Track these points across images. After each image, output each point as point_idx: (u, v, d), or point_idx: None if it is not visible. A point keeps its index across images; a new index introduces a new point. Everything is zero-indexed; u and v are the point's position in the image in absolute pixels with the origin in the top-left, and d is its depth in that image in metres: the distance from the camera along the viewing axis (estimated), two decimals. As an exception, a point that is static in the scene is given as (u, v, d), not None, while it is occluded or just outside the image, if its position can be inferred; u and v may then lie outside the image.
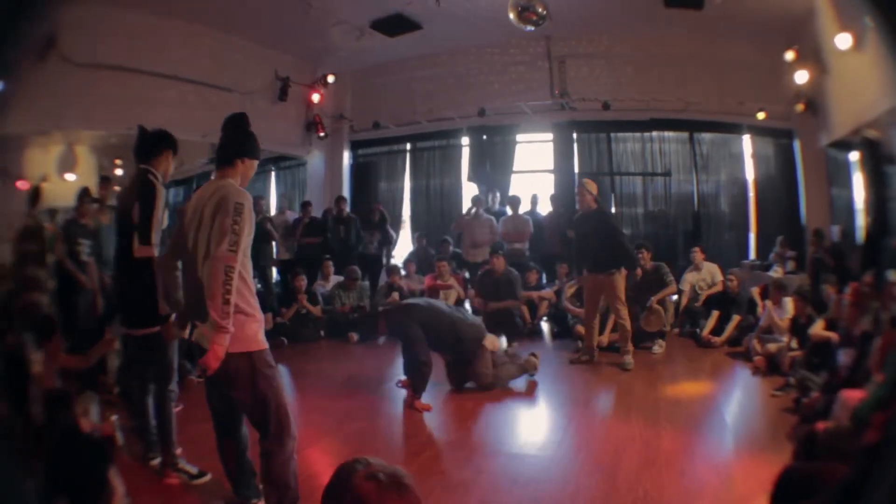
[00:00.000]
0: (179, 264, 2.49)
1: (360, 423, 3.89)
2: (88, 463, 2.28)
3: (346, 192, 8.98)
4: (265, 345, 2.29)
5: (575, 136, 8.41)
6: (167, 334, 2.89)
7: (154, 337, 2.96)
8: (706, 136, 8.04)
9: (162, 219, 2.94)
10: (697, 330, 6.07)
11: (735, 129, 7.80)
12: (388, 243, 8.21)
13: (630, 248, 5.40)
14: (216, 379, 2.24)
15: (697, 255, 6.54)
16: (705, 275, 6.48)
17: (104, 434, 3.07)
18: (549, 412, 4.42)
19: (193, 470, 3.01)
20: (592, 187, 5.31)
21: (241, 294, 2.18)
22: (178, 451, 3.23)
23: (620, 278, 5.17)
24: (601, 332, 5.71)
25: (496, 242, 6.99)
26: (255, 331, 2.25)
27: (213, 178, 2.44)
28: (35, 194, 5.15)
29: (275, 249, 7.67)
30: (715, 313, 5.96)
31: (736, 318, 5.83)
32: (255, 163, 2.46)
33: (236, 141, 2.43)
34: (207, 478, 2.99)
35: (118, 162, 7.29)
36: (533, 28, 5.87)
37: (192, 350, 4.84)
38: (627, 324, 5.20)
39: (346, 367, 5.51)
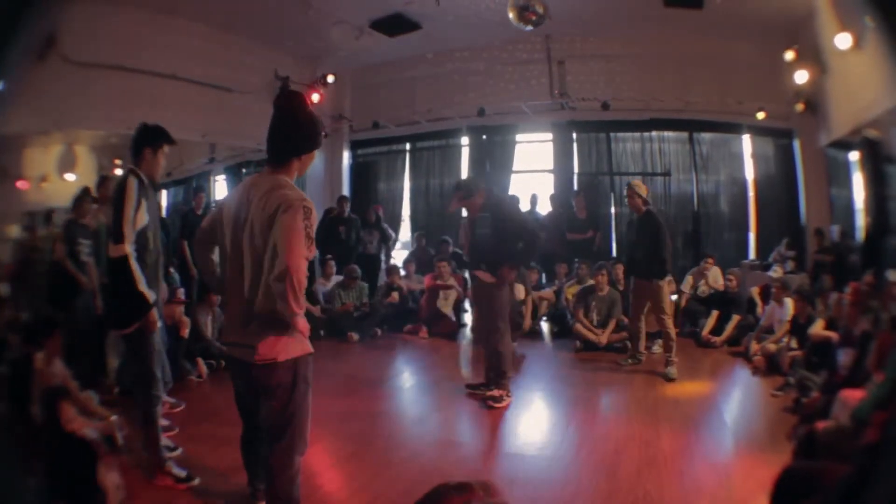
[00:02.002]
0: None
1: (360, 423, 3.89)
2: (77, 462, 2.27)
3: (345, 191, 8.98)
4: (311, 348, 2.21)
5: (574, 135, 8.40)
6: (147, 327, 2.86)
7: (132, 336, 2.91)
8: (706, 135, 8.03)
9: (136, 217, 2.82)
10: (697, 330, 6.08)
11: (735, 128, 7.79)
12: (387, 241, 8.19)
13: (666, 257, 5.04)
14: (254, 382, 2.21)
15: (709, 264, 6.54)
16: (708, 276, 6.49)
17: (104, 433, 3.08)
18: (549, 412, 4.42)
19: (182, 473, 2.97)
20: (642, 189, 5.03)
21: (300, 303, 2.10)
22: (178, 451, 3.23)
23: (665, 285, 5.07)
24: (603, 332, 5.73)
25: None
26: (304, 337, 2.18)
27: (263, 169, 2.24)
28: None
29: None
30: (714, 313, 5.97)
31: (736, 318, 5.84)
32: (315, 153, 2.25)
33: (293, 135, 2.19)
34: (195, 482, 2.95)
35: (118, 162, 7.28)
36: (532, 28, 5.87)
37: (191, 350, 4.89)
38: (672, 332, 5.02)
39: (346, 366, 5.51)
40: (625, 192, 5.31)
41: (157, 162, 3.00)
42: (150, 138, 2.99)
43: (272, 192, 2.10)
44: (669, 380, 4.84)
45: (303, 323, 2.16)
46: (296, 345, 2.17)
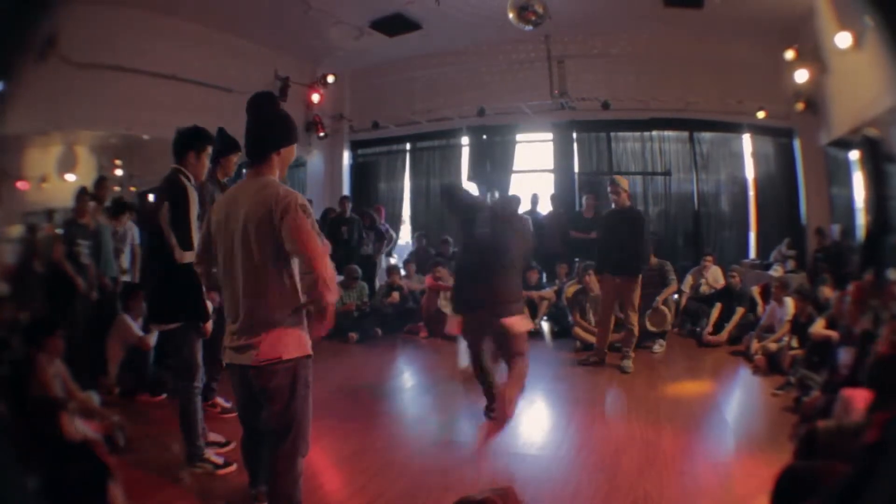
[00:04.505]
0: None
1: (360, 423, 3.89)
2: (88, 479, 2.27)
3: (346, 192, 8.98)
4: (310, 350, 2.23)
5: (575, 135, 8.40)
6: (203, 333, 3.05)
7: (174, 332, 3.04)
8: (706, 135, 8.03)
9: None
10: (698, 329, 6.06)
11: (735, 128, 7.79)
12: (381, 241, 8.18)
13: (645, 254, 5.17)
14: (255, 387, 2.21)
15: (708, 262, 6.54)
16: (708, 276, 6.49)
17: (105, 434, 3.08)
18: (549, 412, 4.42)
19: (219, 460, 3.06)
20: (625, 184, 5.18)
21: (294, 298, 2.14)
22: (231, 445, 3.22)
23: (638, 283, 5.09)
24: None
25: None
26: (306, 337, 2.20)
27: (245, 174, 2.25)
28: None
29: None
30: (718, 305, 5.95)
31: (740, 311, 5.83)
32: (294, 147, 2.26)
33: (268, 131, 2.20)
34: (233, 468, 3.00)
35: (118, 162, 7.29)
36: (532, 28, 5.87)
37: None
38: (635, 329, 5.14)
39: (346, 366, 5.51)
40: (608, 189, 5.34)
41: (202, 164, 3.07)
42: (194, 140, 3.04)
43: (260, 192, 2.10)
44: (625, 373, 4.96)
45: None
46: (296, 346, 2.17)
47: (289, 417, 2.18)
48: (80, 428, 2.77)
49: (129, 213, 5.44)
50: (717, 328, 5.91)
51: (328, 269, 2.06)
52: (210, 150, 3.11)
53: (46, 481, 1.96)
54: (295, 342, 2.16)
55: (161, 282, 3.01)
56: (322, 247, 2.08)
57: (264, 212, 2.06)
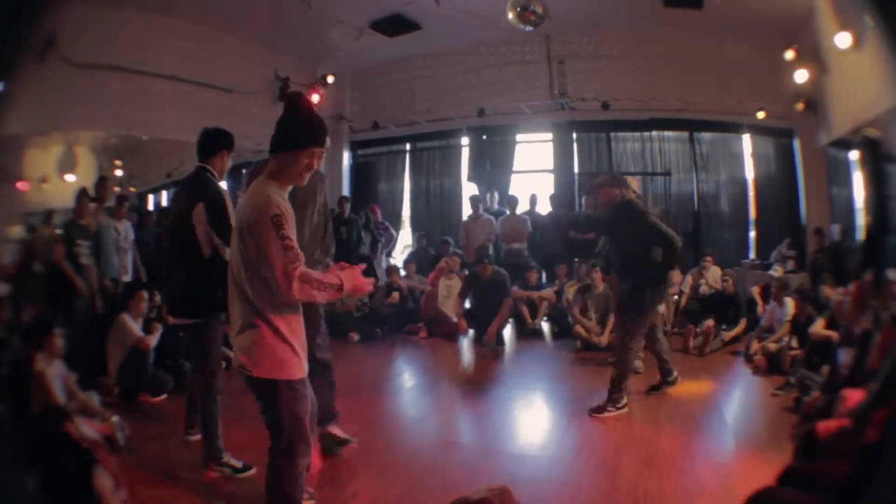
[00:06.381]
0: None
1: (360, 424, 3.89)
2: (72, 466, 2.27)
3: (345, 192, 8.99)
4: (297, 375, 2.11)
5: (574, 135, 8.41)
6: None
7: (193, 327, 3.07)
8: (706, 135, 8.04)
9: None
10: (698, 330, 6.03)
11: (735, 128, 7.80)
12: (377, 243, 8.16)
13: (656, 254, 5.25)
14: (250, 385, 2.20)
15: (708, 262, 6.55)
16: (707, 276, 6.49)
17: (104, 434, 3.08)
18: (549, 412, 4.41)
19: (238, 464, 3.05)
20: (636, 185, 5.35)
21: (284, 316, 2.07)
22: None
23: None
24: (602, 332, 5.72)
25: (482, 249, 6.92)
26: (287, 357, 2.09)
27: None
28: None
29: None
30: (710, 322, 5.90)
31: (742, 323, 5.84)
32: (303, 152, 2.07)
33: (278, 130, 2.12)
34: (252, 472, 2.98)
35: (118, 162, 7.30)
36: (532, 28, 5.87)
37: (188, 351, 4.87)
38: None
39: (346, 367, 5.50)
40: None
41: (227, 164, 3.18)
42: (227, 142, 3.15)
43: (249, 197, 2.09)
44: (636, 373, 4.89)
45: (346, 282, 2.05)
46: (273, 365, 2.07)
47: (275, 416, 2.14)
48: (85, 430, 2.77)
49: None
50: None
51: (286, 282, 1.95)
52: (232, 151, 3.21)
53: (39, 477, 1.96)
54: (270, 360, 2.07)
55: (186, 278, 3.04)
56: (285, 257, 1.95)
57: (243, 218, 2.06)
